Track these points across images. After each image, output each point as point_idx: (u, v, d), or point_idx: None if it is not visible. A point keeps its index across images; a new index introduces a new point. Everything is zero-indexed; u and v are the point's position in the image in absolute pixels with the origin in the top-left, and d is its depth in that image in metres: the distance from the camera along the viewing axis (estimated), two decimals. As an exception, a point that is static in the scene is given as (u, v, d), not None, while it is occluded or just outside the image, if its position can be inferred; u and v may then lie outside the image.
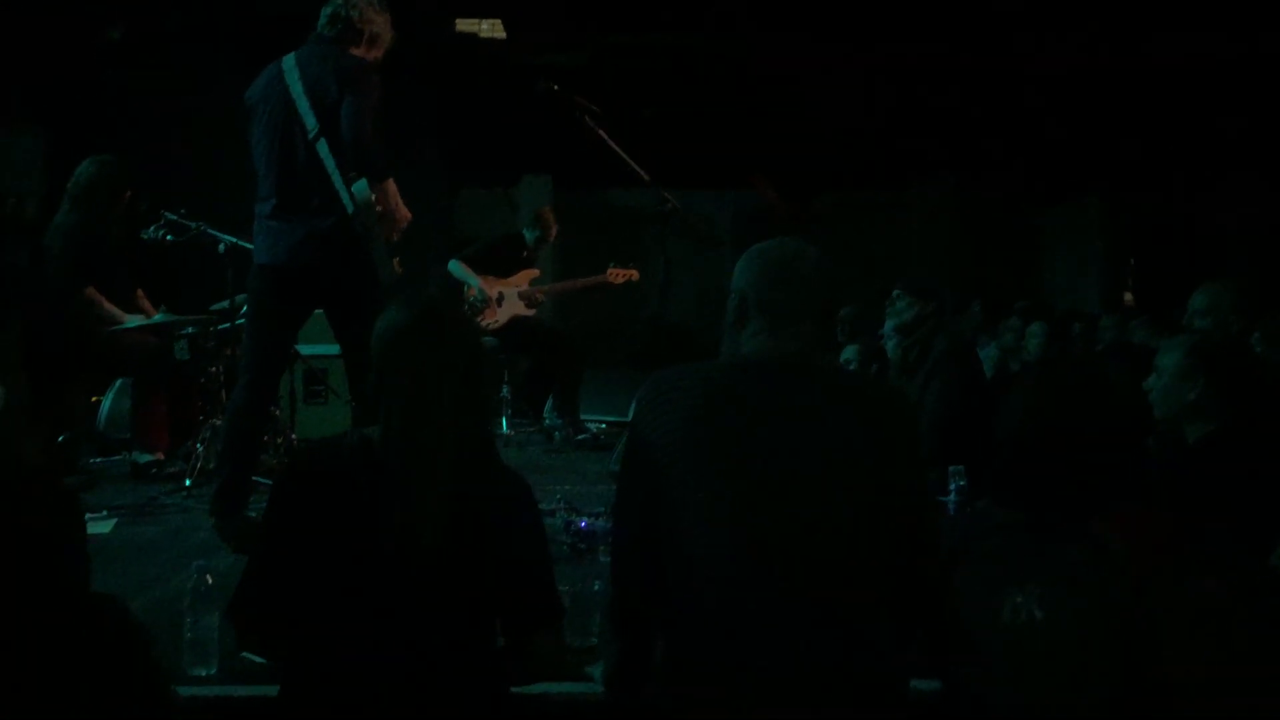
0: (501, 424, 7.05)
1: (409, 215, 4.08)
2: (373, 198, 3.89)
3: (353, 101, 3.88)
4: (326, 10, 4.06)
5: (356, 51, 4.04)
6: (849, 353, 5.65)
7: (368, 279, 4.00)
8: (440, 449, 2.06)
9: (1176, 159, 9.97)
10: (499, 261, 7.05)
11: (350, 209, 3.91)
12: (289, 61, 4.03)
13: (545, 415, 7.05)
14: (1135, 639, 1.93)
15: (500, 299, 6.97)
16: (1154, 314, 6.90)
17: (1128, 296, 10.36)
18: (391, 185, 3.99)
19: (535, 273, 7.26)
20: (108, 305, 5.41)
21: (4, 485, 1.52)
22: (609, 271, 7.18)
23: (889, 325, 4.90)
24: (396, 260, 4.07)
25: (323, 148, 3.92)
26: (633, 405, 2.18)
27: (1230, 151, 9.64)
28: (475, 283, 6.91)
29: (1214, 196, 10.14)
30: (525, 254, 7.16)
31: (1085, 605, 1.96)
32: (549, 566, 2.18)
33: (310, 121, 3.93)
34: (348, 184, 3.93)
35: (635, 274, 7.18)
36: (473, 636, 2.10)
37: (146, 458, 5.43)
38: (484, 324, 6.93)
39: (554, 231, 7.23)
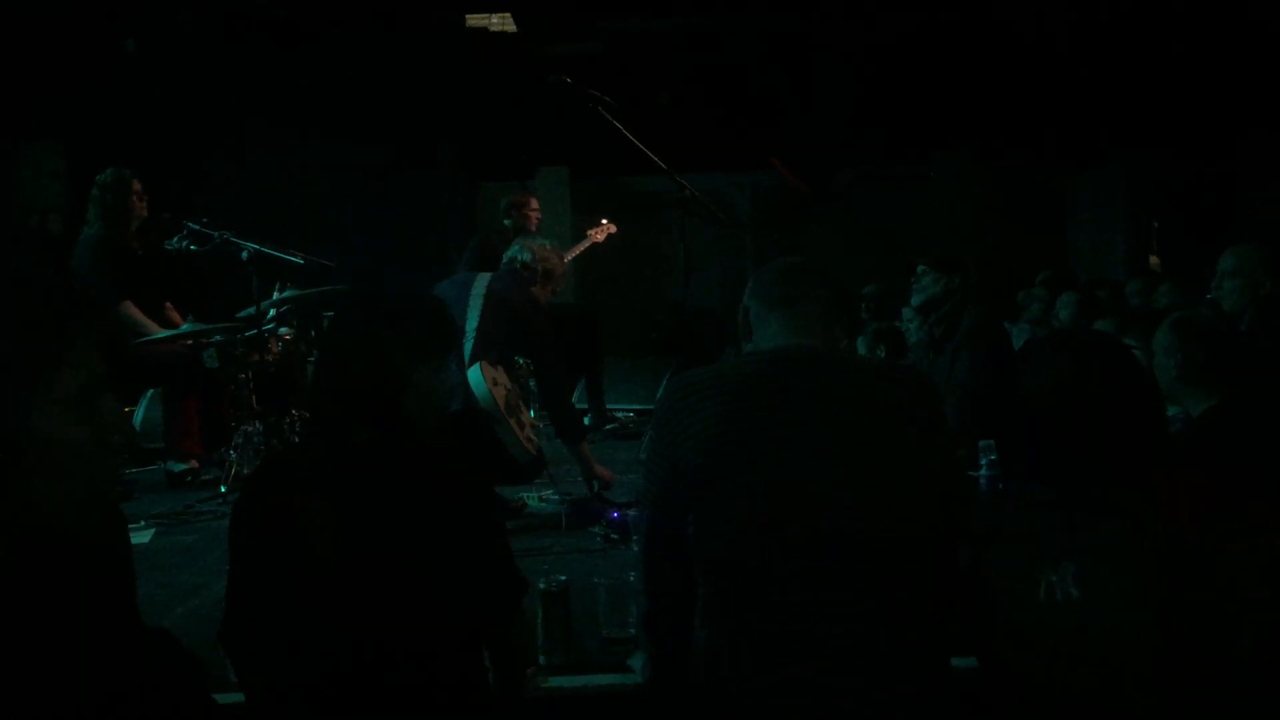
0: (529, 413, 7.08)
1: (611, 475, 4.66)
2: (490, 394, 4.21)
3: (543, 359, 4.63)
4: (515, 247, 4.87)
5: (534, 289, 4.71)
6: (857, 342, 5.69)
7: (492, 452, 4.22)
8: (365, 437, 2.06)
9: (1198, 119, 9.85)
10: (496, 259, 7.05)
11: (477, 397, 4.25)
12: (484, 279, 4.72)
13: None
14: (1174, 612, 1.92)
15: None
16: (1180, 278, 6.84)
17: (1153, 260, 10.27)
18: (584, 449, 4.59)
19: None
20: (140, 316, 5.48)
21: (68, 501, 1.52)
22: (589, 233, 7.28)
23: (915, 300, 4.89)
24: (526, 434, 4.35)
25: (466, 346, 4.37)
26: (654, 414, 2.19)
27: (1254, 109, 9.52)
28: None
29: (1237, 157, 10.02)
30: None
31: (1122, 582, 1.95)
32: (506, 548, 2.13)
33: (471, 325, 4.44)
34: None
35: (613, 227, 7.29)
36: (456, 652, 2.06)
37: (180, 467, 5.49)
38: None
39: (530, 211, 7.18)
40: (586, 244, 7.31)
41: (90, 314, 1.51)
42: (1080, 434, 2.08)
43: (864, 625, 1.98)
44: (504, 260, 4.87)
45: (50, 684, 1.46)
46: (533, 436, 4.44)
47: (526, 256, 4.77)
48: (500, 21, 9.73)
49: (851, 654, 1.97)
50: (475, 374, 4.21)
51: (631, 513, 3.96)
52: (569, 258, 7.50)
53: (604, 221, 7.30)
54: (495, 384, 4.28)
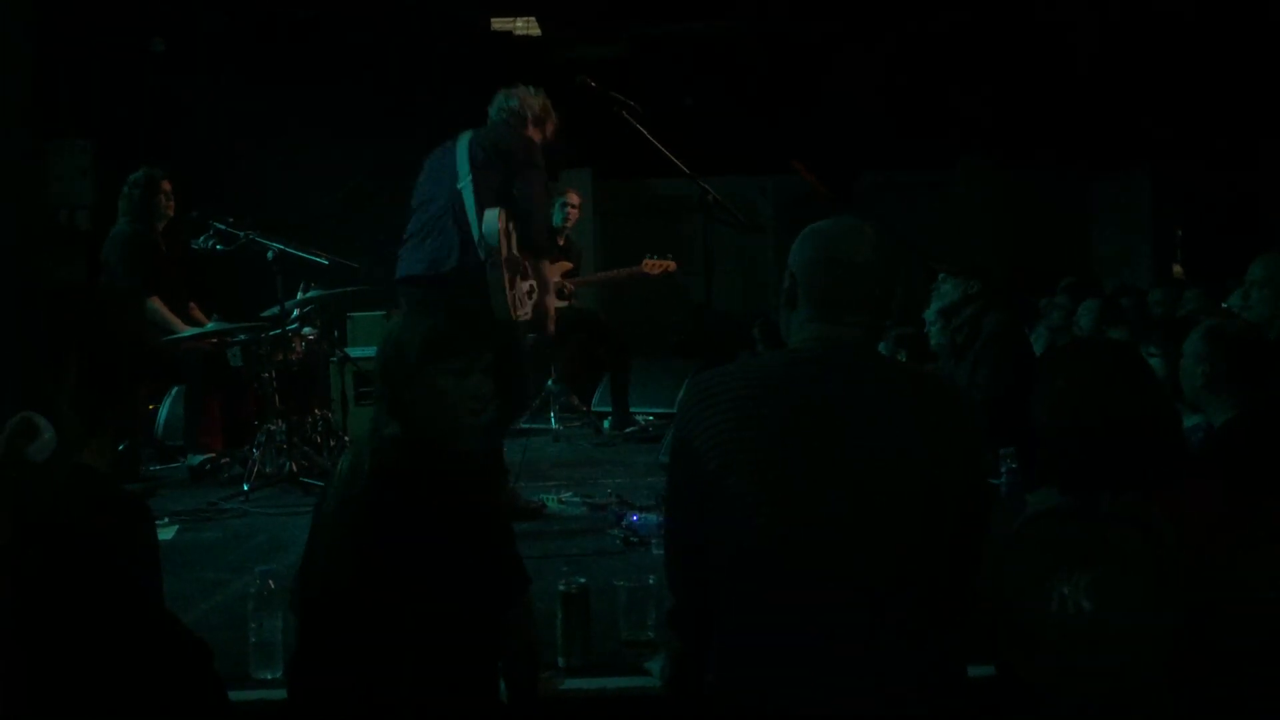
0: (550, 419, 7.09)
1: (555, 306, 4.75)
2: (499, 240, 4.25)
3: (529, 183, 4.51)
4: (495, 101, 4.69)
5: (529, 131, 4.60)
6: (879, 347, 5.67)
7: (482, 299, 4.27)
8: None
9: (1223, 127, 9.78)
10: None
11: (477, 235, 4.30)
12: (466, 134, 4.62)
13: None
14: (1188, 622, 1.92)
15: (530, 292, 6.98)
16: (1206, 286, 6.79)
17: (1177, 269, 10.19)
18: (546, 266, 4.65)
19: (568, 265, 7.21)
20: (167, 313, 5.54)
21: (77, 500, 1.57)
22: (645, 263, 7.07)
23: (934, 308, 4.88)
24: (516, 295, 4.38)
25: (466, 191, 4.41)
26: (676, 412, 2.19)
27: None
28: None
29: (1264, 165, 9.95)
30: (560, 244, 7.06)
31: (1135, 592, 1.95)
32: (510, 539, 2.23)
33: (464, 170, 4.46)
34: (480, 221, 4.36)
35: (673, 265, 7.06)
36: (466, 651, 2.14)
37: (199, 458, 5.54)
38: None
39: (577, 208, 7.15)
40: (636, 271, 7.12)
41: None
42: (1093, 443, 2.08)
43: (870, 632, 1.97)
44: (491, 116, 4.72)
45: (44, 660, 1.51)
46: (523, 301, 4.47)
47: (514, 103, 4.65)
48: (525, 25, 9.76)
49: (857, 660, 1.96)
50: (491, 216, 4.30)
51: (651, 516, 3.97)
52: (614, 278, 7.49)
53: (669, 255, 7.09)
54: (508, 235, 4.35)
